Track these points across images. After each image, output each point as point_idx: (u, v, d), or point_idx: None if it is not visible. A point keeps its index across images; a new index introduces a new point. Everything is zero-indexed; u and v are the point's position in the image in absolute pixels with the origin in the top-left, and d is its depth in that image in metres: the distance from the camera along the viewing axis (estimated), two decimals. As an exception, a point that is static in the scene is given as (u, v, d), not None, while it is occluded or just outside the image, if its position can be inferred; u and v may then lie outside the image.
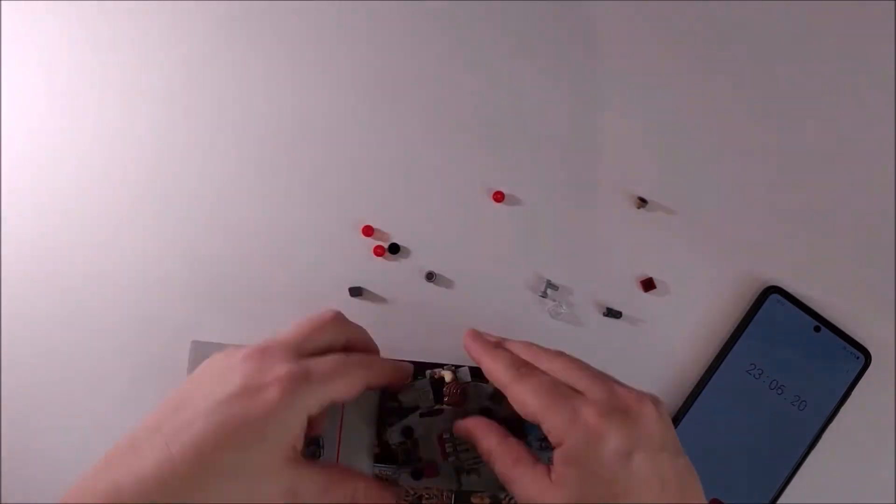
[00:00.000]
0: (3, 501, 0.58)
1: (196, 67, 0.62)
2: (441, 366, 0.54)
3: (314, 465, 0.45)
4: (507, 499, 0.55)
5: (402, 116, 0.61)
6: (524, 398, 0.46)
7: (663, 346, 0.58)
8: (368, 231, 0.59)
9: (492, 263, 0.59)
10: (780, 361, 0.57)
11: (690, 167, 0.60)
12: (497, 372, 0.47)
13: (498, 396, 0.51)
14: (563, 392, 0.45)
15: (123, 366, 0.58)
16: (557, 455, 0.44)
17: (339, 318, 0.49)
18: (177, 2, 0.62)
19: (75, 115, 0.62)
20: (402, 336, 0.59)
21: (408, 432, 0.53)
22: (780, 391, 0.56)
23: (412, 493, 0.57)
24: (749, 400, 0.56)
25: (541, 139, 0.61)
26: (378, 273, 0.59)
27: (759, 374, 0.56)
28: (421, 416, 0.53)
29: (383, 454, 0.56)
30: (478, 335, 0.50)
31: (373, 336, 0.53)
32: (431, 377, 0.53)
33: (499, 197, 0.60)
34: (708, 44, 0.61)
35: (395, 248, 0.59)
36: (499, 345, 0.49)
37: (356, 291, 0.59)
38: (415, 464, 0.53)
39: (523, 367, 0.47)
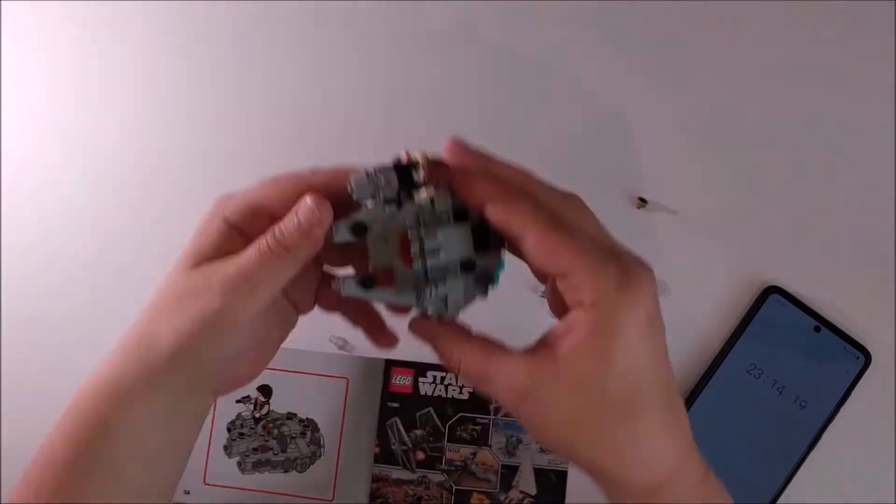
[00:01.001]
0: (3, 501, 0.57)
1: (197, 66, 0.64)
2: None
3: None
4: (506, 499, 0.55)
5: (403, 116, 0.63)
6: (559, 248, 0.38)
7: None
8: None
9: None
10: (780, 361, 0.57)
11: (691, 167, 0.62)
12: (522, 214, 0.39)
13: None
14: (608, 253, 0.40)
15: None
16: (580, 317, 0.37)
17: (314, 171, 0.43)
18: (179, 2, 0.65)
19: (75, 116, 0.65)
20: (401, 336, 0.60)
21: (359, 229, 0.41)
22: (780, 391, 0.57)
23: (411, 494, 0.57)
24: (749, 400, 0.57)
25: (540, 139, 0.63)
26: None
27: (760, 374, 0.57)
28: (385, 202, 0.41)
29: (383, 454, 0.57)
30: (466, 150, 0.41)
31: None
32: (396, 160, 0.41)
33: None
34: (709, 44, 0.63)
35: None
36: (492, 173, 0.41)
37: None
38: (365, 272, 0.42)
39: (553, 215, 0.40)
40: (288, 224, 0.40)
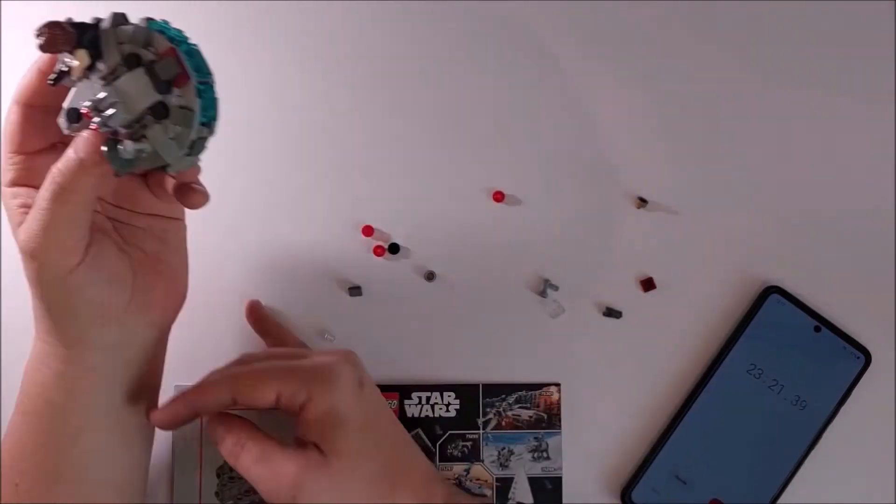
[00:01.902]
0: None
1: None
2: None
3: None
4: None
5: (403, 116, 0.60)
6: (256, 392, 0.46)
7: (663, 347, 0.58)
8: (368, 231, 0.59)
9: (492, 263, 0.59)
10: (780, 361, 0.56)
11: (691, 167, 0.60)
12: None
13: (143, 33, 0.39)
14: (286, 362, 0.48)
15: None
16: (306, 411, 0.46)
17: None
18: (180, 2, 0.60)
19: None
20: (401, 336, 0.59)
21: (75, 116, 0.41)
22: (779, 391, 0.56)
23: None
24: (749, 400, 0.56)
25: (541, 139, 0.60)
26: (378, 273, 0.59)
27: (760, 374, 0.56)
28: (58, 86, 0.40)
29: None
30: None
31: (371, 335, 0.57)
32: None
33: (499, 197, 0.59)
34: (709, 44, 0.61)
35: (394, 248, 0.58)
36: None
37: (356, 291, 0.58)
38: None
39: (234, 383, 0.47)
40: (61, 161, 0.40)
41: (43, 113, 0.43)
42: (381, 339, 0.59)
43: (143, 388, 0.49)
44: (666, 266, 0.59)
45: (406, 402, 0.58)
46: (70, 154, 0.40)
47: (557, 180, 0.60)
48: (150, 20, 0.40)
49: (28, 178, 0.44)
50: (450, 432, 0.57)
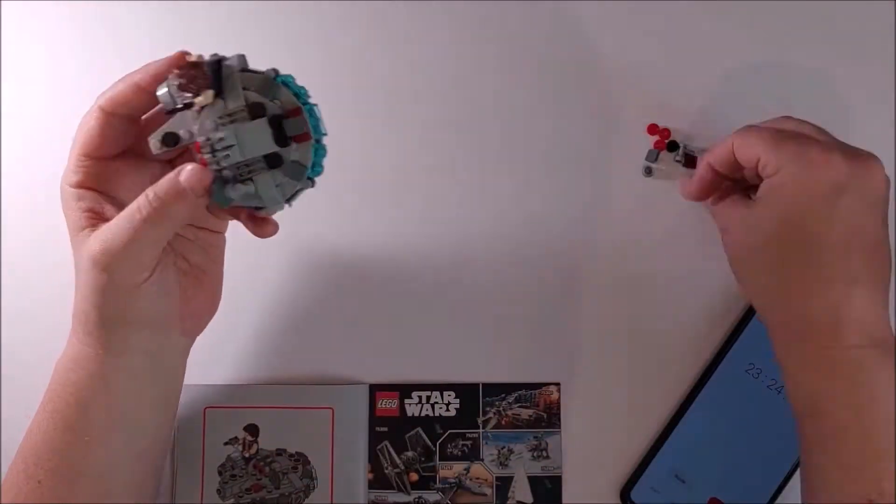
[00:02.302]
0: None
1: None
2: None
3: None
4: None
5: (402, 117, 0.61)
6: (749, 139, 0.46)
7: (662, 346, 0.58)
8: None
9: (491, 263, 0.59)
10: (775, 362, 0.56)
11: None
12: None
13: (272, 86, 0.43)
14: (791, 135, 0.46)
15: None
16: (766, 182, 0.46)
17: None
18: (182, 2, 0.62)
19: (76, 117, 0.61)
20: (401, 336, 0.60)
21: (170, 139, 0.43)
22: (779, 391, 0.56)
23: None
24: (748, 399, 0.56)
25: (535, 142, 0.60)
26: (378, 273, 0.59)
27: (758, 374, 0.56)
28: (185, 108, 0.43)
29: (377, 479, 0.57)
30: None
31: (372, 335, 0.58)
32: (185, 63, 0.43)
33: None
34: (709, 44, 0.61)
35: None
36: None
37: None
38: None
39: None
40: (168, 187, 0.42)
41: (125, 122, 0.45)
42: (382, 338, 0.59)
43: (169, 392, 0.51)
44: (666, 263, 0.59)
45: (406, 401, 0.58)
46: (177, 183, 0.42)
47: (554, 179, 0.60)
48: (277, 72, 0.43)
49: (95, 182, 0.46)
50: (450, 431, 0.58)
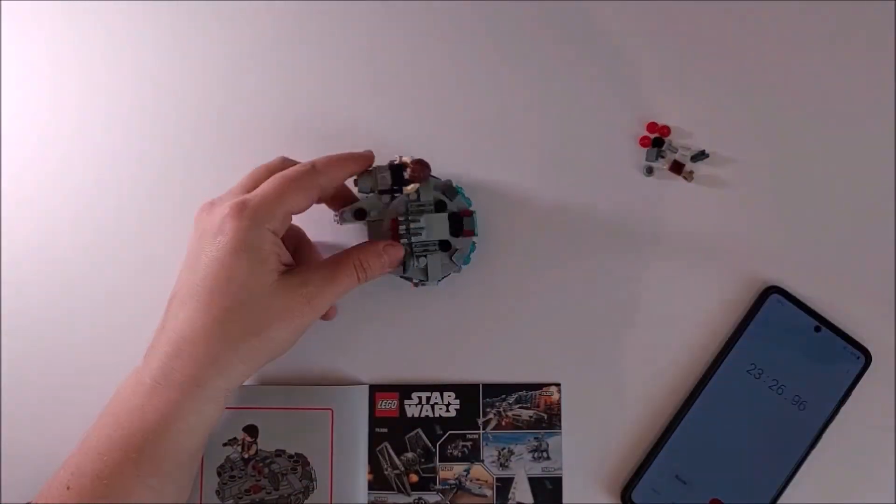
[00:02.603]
0: (3, 501, 0.58)
1: (204, 66, 0.62)
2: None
3: (308, 267, 0.50)
4: None
5: (405, 115, 0.61)
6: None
7: (663, 347, 0.58)
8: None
9: (490, 263, 0.59)
10: (780, 361, 0.56)
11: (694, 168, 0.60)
12: None
13: (452, 190, 0.55)
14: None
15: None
16: None
17: (284, 159, 0.54)
18: (186, 2, 0.62)
19: (77, 117, 0.62)
20: (401, 336, 0.60)
21: (360, 213, 0.55)
22: (780, 391, 0.56)
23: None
24: (749, 400, 0.56)
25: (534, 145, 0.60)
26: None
27: (760, 374, 0.56)
28: (380, 192, 0.54)
29: (377, 481, 0.57)
30: None
31: (372, 335, 0.58)
32: (391, 163, 0.54)
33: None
34: (711, 42, 0.61)
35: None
36: None
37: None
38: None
39: None
40: (375, 263, 0.52)
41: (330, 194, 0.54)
42: (382, 338, 0.59)
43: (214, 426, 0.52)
44: (666, 264, 0.59)
45: (406, 402, 0.58)
46: (383, 258, 0.53)
47: (554, 179, 0.60)
48: (452, 181, 0.56)
49: (284, 231, 0.51)
50: (450, 432, 0.58)
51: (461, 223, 0.55)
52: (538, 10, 0.61)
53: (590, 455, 0.57)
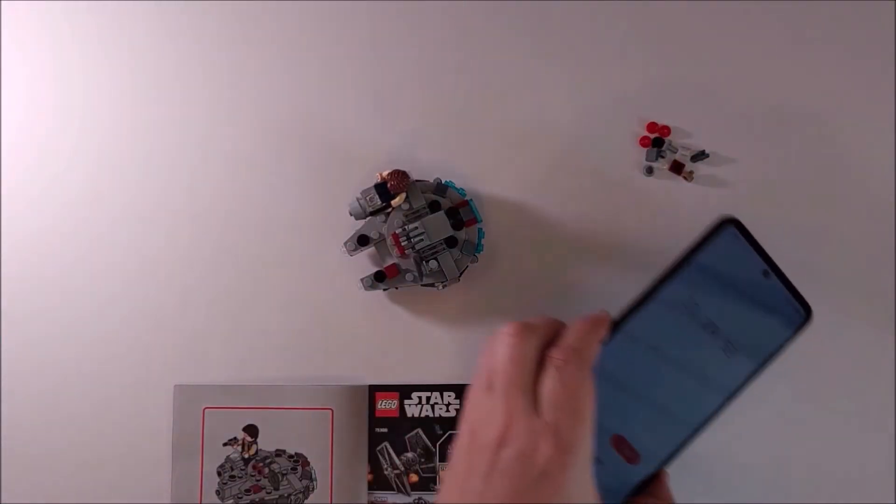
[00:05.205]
0: (3, 501, 0.59)
1: (206, 68, 0.62)
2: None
3: None
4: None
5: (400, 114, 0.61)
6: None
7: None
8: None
9: (490, 263, 0.59)
10: (719, 301, 0.51)
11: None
12: None
13: (441, 188, 0.57)
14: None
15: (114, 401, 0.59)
16: None
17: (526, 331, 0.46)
18: (185, 2, 0.62)
19: (77, 117, 0.62)
20: (401, 336, 0.60)
21: (364, 240, 0.57)
22: (712, 332, 0.50)
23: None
24: (677, 336, 0.50)
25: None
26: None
27: (696, 310, 0.50)
28: (373, 214, 0.56)
29: (377, 481, 0.57)
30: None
31: (371, 335, 0.58)
32: (374, 184, 0.56)
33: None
34: (709, 45, 0.60)
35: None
36: None
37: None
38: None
39: None
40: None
41: None
42: (382, 338, 0.59)
43: None
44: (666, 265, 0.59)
45: (406, 402, 0.58)
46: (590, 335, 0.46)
47: (554, 178, 0.60)
48: (440, 179, 0.57)
49: None
50: (450, 432, 0.58)
51: (459, 215, 0.56)
52: (538, 11, 0.60)
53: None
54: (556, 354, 0.44)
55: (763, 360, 0.51)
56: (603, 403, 0.46)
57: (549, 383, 0.43)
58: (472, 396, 0.44)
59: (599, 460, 0.46)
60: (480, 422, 0.43)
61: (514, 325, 0.45)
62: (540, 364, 0.44)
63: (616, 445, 0.49)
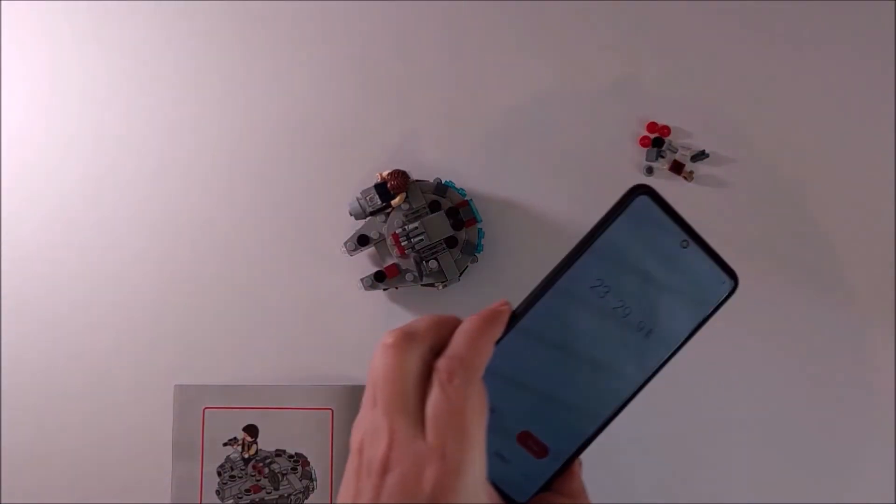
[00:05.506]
0: (3, 501, 0.59)
1: (203, 67, 0.62)
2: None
3: None
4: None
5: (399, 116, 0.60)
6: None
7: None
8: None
9: (489, 264, 0.59)
10: (632, 279, 0.45)
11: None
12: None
13: (441, 188, 0.57)
14: None
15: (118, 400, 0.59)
16: None
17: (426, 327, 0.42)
18: (185, 3, 0.62)
19: (77, 117, 0.62)
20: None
21: (364, 240, 0.57)
22: (624, 313, 0.45)
23: None
24: (585, 322, 0.45)
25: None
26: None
27: (605, 293, 0.45)
28: (373, 214, 0.57)
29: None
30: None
31: (372, 335, 0.57)
32: (374, 184, 0.57)
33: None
34: (709, 45, 0.61)
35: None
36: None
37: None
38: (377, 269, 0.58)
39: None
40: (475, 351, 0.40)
41: None
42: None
43: None
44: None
45: (405, 400, 0.57)
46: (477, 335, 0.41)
47: (553, 178, 0.60)
48: (440, 179, 0.57)
49: None
50: (449, 432, 0.57)
51: (459, 215, 0.57)
52: (538, 12, 0.60)
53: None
54: (440, 366, 0.39)
55: (684, 337, 0.46)
56: (505, 403, 0.43)
57: (434, 401, 0.38)
58: (362, 409, 0.40)
59: (505, 459, 0.44)
60: (367, 439, 0.39)
61: (393, 333, 0.39)
62: (426, 376, 0.39)
63: (522, 442, 0.45)
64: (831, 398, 0.58)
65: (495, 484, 0.42)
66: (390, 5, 0.61)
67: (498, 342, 0.42)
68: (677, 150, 0.59)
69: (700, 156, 0.59)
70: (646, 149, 0.59)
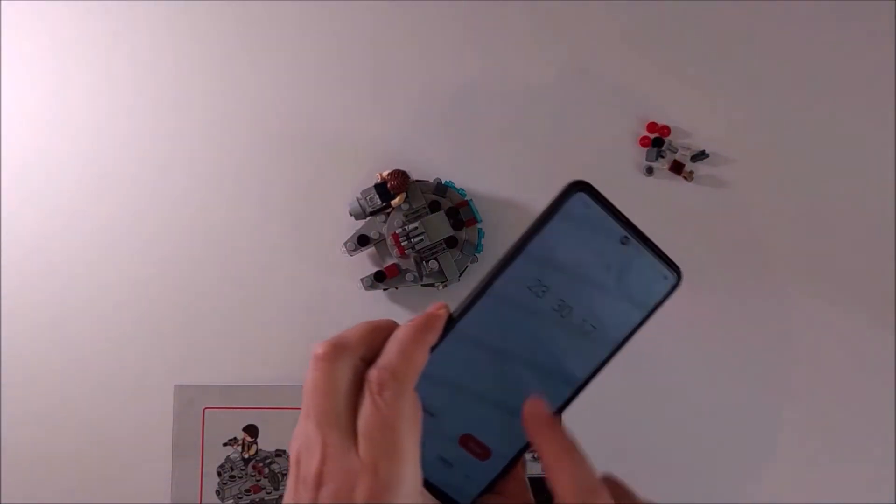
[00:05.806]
0: (2, 501, 0.59)
1: (203, 65, 0.62)
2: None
3: None
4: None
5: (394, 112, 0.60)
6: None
7: None
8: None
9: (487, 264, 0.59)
10: (571, 279, 0.43)
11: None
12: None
13: (441, 188, 0.57)
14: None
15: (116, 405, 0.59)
16: None
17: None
18: (185, 3, 0.62)
19: (77, 117, 0.62)
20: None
21: (364, 240, 0.58)
22: (564, 314, 0.44)
23: None
24: (522, 324, 0.43)
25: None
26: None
27: (543, 293, 0.44)
28: (373, 214, 0.57)
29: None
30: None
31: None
32: (374, 184, 0.57)
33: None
34: (709, 45, 0.61)
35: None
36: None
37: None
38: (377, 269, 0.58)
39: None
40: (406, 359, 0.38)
41: None
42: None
43: None
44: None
45: (406, 401, 0.57)
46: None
47: (554, 178, 0.60)
48: (440, 179, 0.58)
49: None
50: (449, 432, 0.57)
51: (459, 215, 0.57)
52: (539, 13, 0.60)
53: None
54: (371, 377, 0.38)
55: (626, 333, 0.44)
56: (445, 407, 0.42)
57: (365, 414, 0.38)
58: (299, 420, 0.39)
59: (448, 462, 0.43)
60: (303, 450, 0.39)
61: (323, 345, 0.38)
62: (358, 387, 0.39)
63: (465, 445, 0.44)
64: (831, 398, 0.58)
65: (438, 487, 0.42)
66: (392, 6, 0.61)
67: (435, 347, 0.41)
68: (677, 150, 0.59)
69: (700, 156, 0.59)
70: (646, 149, 0.59)
